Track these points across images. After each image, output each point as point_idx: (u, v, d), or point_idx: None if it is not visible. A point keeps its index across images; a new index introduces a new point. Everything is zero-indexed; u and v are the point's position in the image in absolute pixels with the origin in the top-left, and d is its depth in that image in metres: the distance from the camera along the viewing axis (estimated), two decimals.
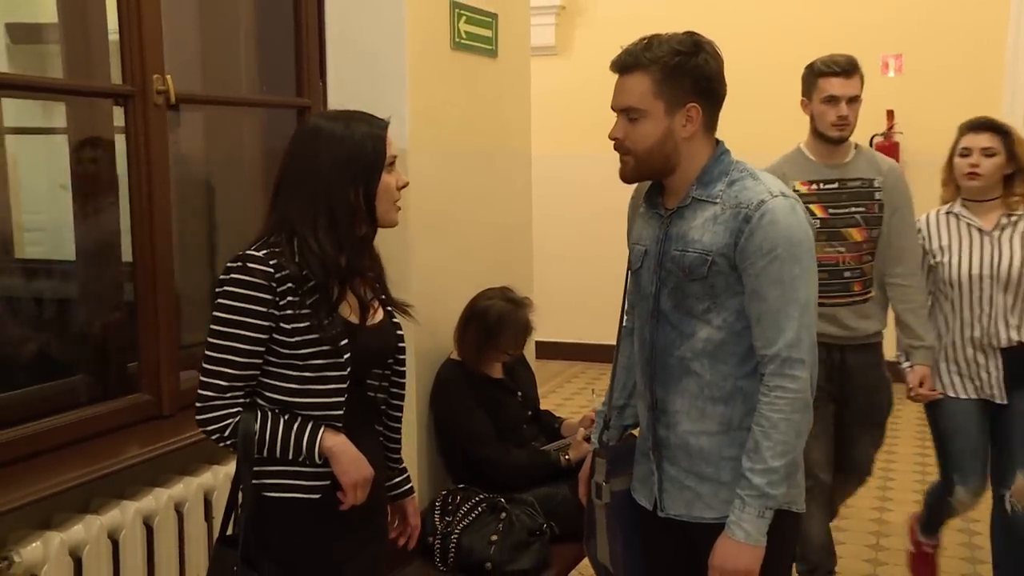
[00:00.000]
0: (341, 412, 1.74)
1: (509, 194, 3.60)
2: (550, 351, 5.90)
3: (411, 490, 2.04)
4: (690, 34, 1.80)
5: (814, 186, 2.99)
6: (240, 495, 1.77)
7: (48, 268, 3.11)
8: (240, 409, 1.71)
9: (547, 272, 5.44)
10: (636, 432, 2.04)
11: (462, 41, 3.14)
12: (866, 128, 6.36)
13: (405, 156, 2.84)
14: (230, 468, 2.33)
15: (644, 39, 1.80)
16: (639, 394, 1.92)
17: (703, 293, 1.77)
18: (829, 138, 3.01)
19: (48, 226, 3.50)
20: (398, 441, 1.98)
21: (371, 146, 1.72)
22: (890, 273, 3.00)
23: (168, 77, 2.32)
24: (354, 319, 1.77)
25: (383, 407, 1.93)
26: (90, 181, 2.50)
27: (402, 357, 1.91)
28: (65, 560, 1.89)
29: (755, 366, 1.77)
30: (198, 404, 1.71)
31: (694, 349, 1.79)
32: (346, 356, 1.72)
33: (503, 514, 2.68)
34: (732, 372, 1.77)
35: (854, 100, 3.00)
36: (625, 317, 2.02)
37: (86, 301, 2.65)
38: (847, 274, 2.95)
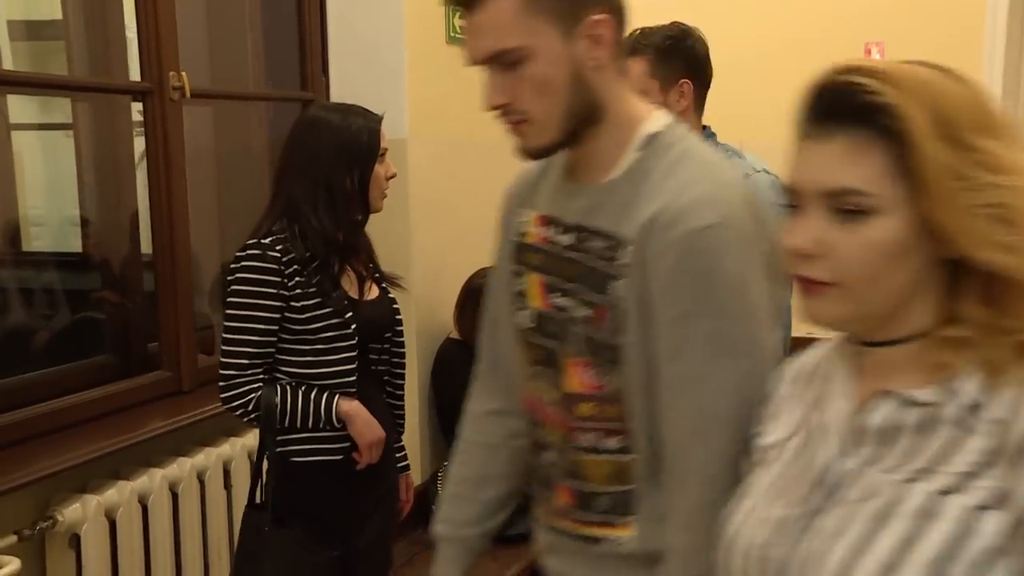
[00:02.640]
0: (354, 379, 1.91)
1: (506, 182, 3.75)
2: None
3: (407, 467, 2.19)
4: (676, 23, 2.02)
5: None
6: (265, 463, 1.94)
7: (80, 260, 3.25)
8: (260, 385, 1.87)
9: None
10: None
11: (457, 35, 3.29)
12: None
13: (405, 145, 3.01)
14: (246, 440, 2.51)
15: (637, 29, 1.98)
16: None
17: None
18: None
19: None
20: (402, 408, 2.14)
21: (366, 137, 1.90)
22: None
23: (183, 73, 2.47)
24: (353, 294, 1.94)
25: (386, 377, 2.09)
26: (109, 175, 2.66)
27: (399, 328, 2.07)
28: (101, 521, 2.06)
29: None
30: (221, 383, 1.87)
31: None
32: (353, 327, 1.88)
33: None
34: None
35: None
36: None
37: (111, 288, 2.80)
38: None
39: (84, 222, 2.89)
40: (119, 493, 2.11)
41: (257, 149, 3.23)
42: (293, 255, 1.84)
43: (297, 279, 1.84)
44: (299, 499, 1.91)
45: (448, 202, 3.25)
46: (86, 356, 2.55)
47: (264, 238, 1.86)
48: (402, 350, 2.10)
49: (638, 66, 1.97)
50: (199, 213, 3.15)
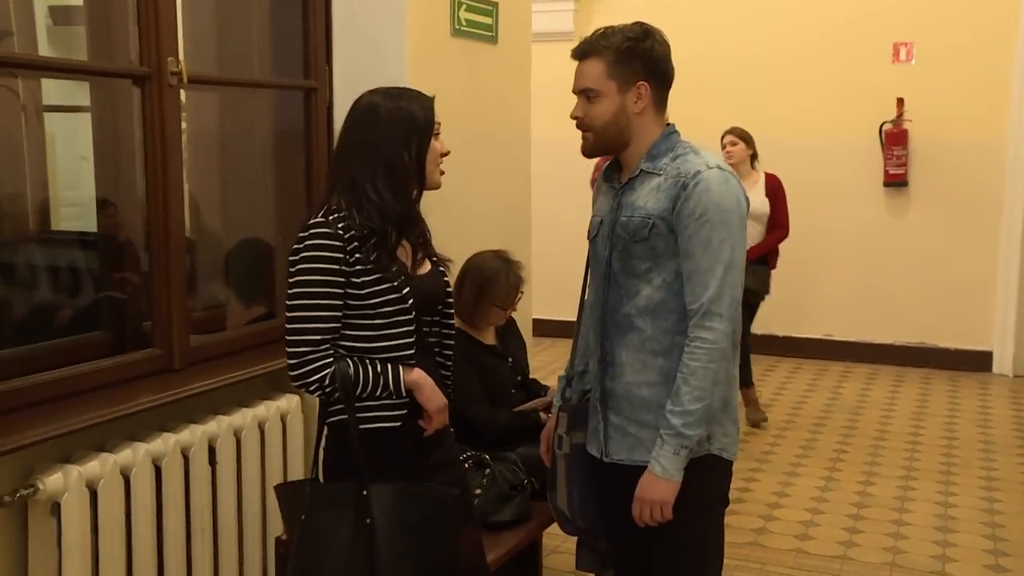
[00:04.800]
0: (412, 351, 2.00)
1: (508, 174, 3.79)
2: (549, 329, 6.01)
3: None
4: (639, 23, 2.02)
5: None
6: (323, 436, 2.05)
7: (80, 240, 3.35)
8: (332, 360, 1.96)
9: (548, 253, 5.58)
10: None
11: (462, 28, 3.32)
12: (876, 115, 6.47)
13: None
14: (233, 418, 2.58)
15: (599, 29, 2.02)
16: (591, 352, 2.13)
17: (645, 254, 1.98)
18: None
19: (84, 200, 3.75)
20: (451, 377, 2.22)
21: (422, 113, 2.02)
22: None
23: (182, 59, 2.53)
24: (408, 270, 2.04)
25: (437, 348, 2.18)
26: (119, 158, 2.73)
27: (450, 301, 2.17)
28: (82, 491, 2.12)
29: None
30: (292, 361, 1.96)
31: (637, 306, 1.99)
32: (410, 301, 1.98)
33: (487, 470, 2.88)
34: (671, 328, 1.98)
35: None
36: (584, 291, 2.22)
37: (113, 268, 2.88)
38: None
39: (102, 203, 2.98)
40: (102, 465, 2.18)
41: (261, 136, 3.29)
42: (353, 232, 1.93)
43: (358, 255, 1.94)
44: (371, 458, 1.97)
45: (451, 192, 3.27)
46: (84, 332, 2.63)
47: (325, 216, 1.95)
48: (452, 322, 2.20)
49: (595, 67, 2.00)
50: (205, 199, 3.24)
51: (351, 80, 3.10)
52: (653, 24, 2.04)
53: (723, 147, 5.17)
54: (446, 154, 2.09)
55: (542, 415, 3.11)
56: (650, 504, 1.94)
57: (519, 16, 3.76)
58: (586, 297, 2.19)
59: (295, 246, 1.96)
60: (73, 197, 3.81)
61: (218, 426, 2.53)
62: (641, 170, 2.02)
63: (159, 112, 2.50)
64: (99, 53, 2.76)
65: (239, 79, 3.13)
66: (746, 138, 5.22)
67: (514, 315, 3.23)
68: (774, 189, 5.18)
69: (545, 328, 5.47)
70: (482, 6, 3.44)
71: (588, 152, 2.09)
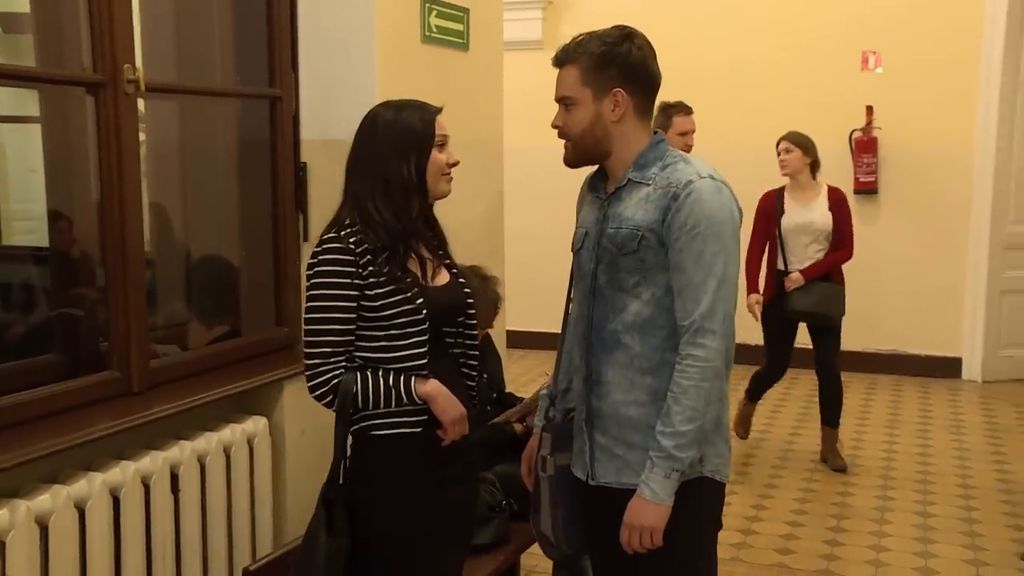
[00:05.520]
0: (425, 362, 1.98)
1: (481, 183, 3.69)
2: (523, 340, 5.93)
3: None
4: (619, 27, 1.93)
5: None
6: (347, 445, 2.01)
7: (33, 255, 3.20)
8: (342, 372, 1.96)
9: (521, 264, 5.50)
10: None
11: (432, 35, 3.23)
12: (846, 123, 6.47)
13: None
14: (197, 443, 2.45)
15: (579, 36, 1.94)
16: (576, 369, 2.03)
17: (633, 268, 1.88)
18: None
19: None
20: (475, 388, 2.19)
21: (420, 126, 2.00)
22: None
23: (139, 66, 2.41)
24: (423, 281, 2.03)
25: (461, 360, 2.15)
26: (63, 167, 2.59)
27: (471, 312, 2.14)
28: (31, 528, 1.98)
29: None
30: (308, 373, 1.98)
31: (625, 322, 1.90)
32: (424, 312, 1.96)
33: None
34: (660, 345, 1.88)
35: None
36: (568, 305, 2.13)
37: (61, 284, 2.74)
38: None
39: (54, 216, 2.83)
40: (53, 498, 2.04)
41: (225, 147, 3.16)
42: (366, 245, 1.95)
43: (371, 268, 1.95)
44: (382, 468, 1.98)
45: None
46: (35, 354, 2.49)
47: (340, 231, 1.97)
48: (475, 332, 2.16)
49: (571, 75, 1.93)
50: (166, 212, 3.10)
51: (318, 88, 2.99)
52: None
53: (777, 155, 4.64)
54: (454, 164, 2.06)
55: (516, 426, 3.03)
56: (639, 530, 1.85)
57: (490, 23, 3.67)
58: (570, 312, 2.09)
59: (310, 260, 1.99)
60: (25, 211, 3.65)
61: (181, 452, 2.39)
62: (628, 180, 1.93)
63: (115, 121, 2.37)
64: (48, 60, 2.62)
65: (200, 87, 3.01)
66: (804, 144, 4.58)
67: (488, 329, 3.13)
68: (838, 203, 4.57)
69: (518, 339, 5.38)
70: (453, 12, 3.34)
71: (570, 162, 2.00)
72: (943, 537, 3.84)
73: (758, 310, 4.63)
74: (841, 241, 4.54)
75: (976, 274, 6.37)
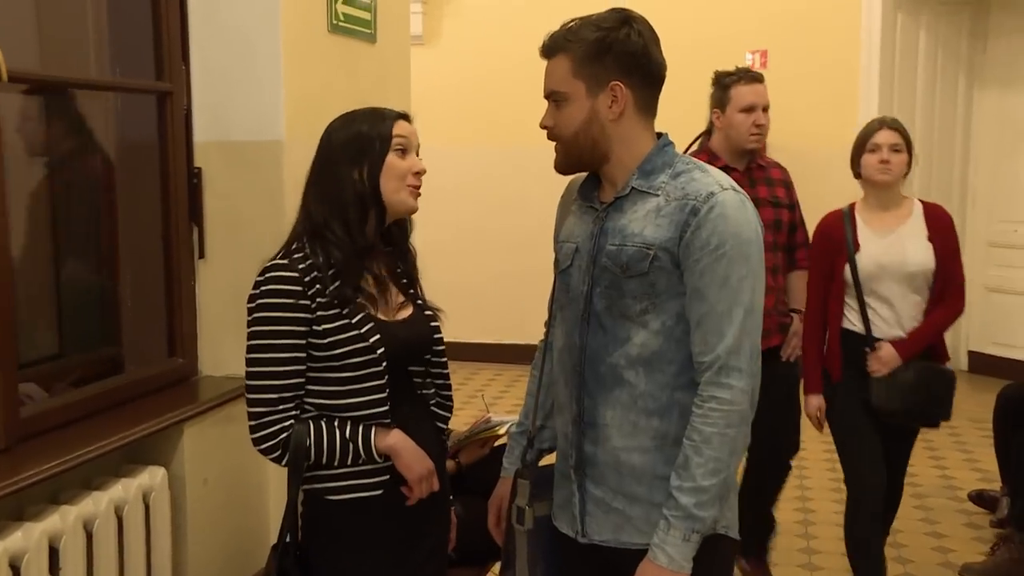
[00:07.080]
0: (386, 409, 1.76)
1: None
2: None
3: (452, 500, 2.04)
4: (617, 10, 1.67)
5: None
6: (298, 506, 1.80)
7: None
8: (292, 422, 1.74)
9: (435, 269, 5.16)
10: (554, 456, 1.87)
11: (340, 24, 2.89)
12: None
13: (280, 147, 2.59)
14: (81, 507, 2.04)
15: (571, 20, 1.68)
16: (561, 408, 1.76)
17: (641, 292, 1.62)
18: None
19: None
20: (447, 434, 1.98)
21: (368, 128, 1.80)
22: None
23: None
24: (382, 316, 1.80)
25: (432, 403, 1.93)
26: None
27: (440, 349, 1.92)
28: None
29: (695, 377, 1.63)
30: (251, 423, 1.74)
31: (628, 356, 1.63)
32: (380, 351, 1.74)
33: None
34: (669, 382, 1.63)
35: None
36: (548, 331, 1.85)
37: None
38: None
39: None
40: None
41: (104, 148, 2.72)
42: (315, 273, 1.74)
43: (319, 299, 1.73)
44: (334, 543, 1.78)
45: None
46: None
47: (283, 258, 1.77)
48: (444, 371, 1.95)
49: (561, 66, 1.66)
50: (29, 225, 2.63)
51: (213, 82, 2.60)
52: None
53: (860, 152, 3.04)
54: (420, 172, 1.83)
55: (448, 463, 2.74)
56: None
57: (397, 13, 3.36)
58: (553, 341, 1.82)
59: (252, 292, 1.76)
60: None
61: (62, 520, 1.98)
62: (632, 188, 1.67)
63: None
64: None
65: (72, 79, 2.56)
66: (909, 140, 2.97)
67: None
68: (943, 230, 2.90)
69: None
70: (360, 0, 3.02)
71: (560, 167, 1.72)
72: (911, 540, 3.81)
73: (823, 417, 3.01)
74: (948, 288, 2.89)
75: None
